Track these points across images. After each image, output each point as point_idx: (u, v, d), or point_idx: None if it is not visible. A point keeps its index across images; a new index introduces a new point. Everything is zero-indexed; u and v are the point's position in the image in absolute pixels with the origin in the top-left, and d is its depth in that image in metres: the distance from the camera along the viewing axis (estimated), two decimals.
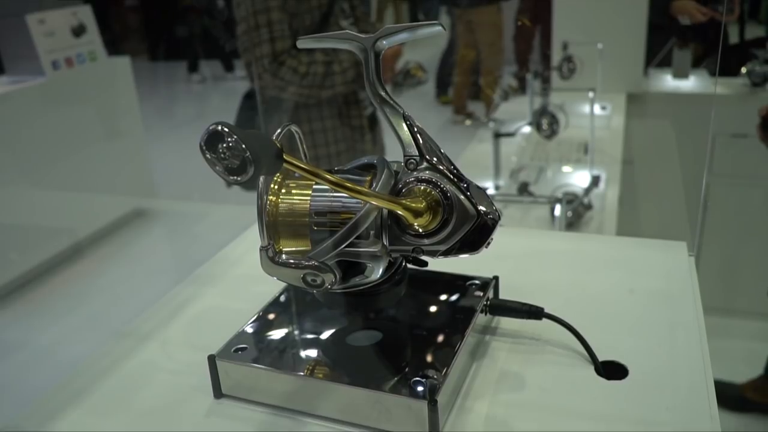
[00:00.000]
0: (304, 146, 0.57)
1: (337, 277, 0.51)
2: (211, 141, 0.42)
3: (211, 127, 0.42)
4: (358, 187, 0.48)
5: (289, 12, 1.67)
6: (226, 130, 0.41)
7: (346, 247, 0.50)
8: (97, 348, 0.67)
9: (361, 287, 0.54)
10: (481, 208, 0.51)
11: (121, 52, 3.42)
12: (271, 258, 0.52)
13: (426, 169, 0.51)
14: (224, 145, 0.42)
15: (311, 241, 0.53)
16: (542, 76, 1.89)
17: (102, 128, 3.04)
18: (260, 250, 0.52)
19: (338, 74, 1.73)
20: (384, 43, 0.50)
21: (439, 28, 0.48)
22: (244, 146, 0.41)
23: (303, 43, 0.52)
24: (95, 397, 0.60)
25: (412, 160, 0.52)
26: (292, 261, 0.51)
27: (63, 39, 2.79)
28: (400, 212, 0.50)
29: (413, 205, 0.50)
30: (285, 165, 0.45)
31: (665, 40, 2.53)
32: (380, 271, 0.52)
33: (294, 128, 0.54)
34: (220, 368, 0.57)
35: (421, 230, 0.51)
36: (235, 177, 0.42)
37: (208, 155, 0.42)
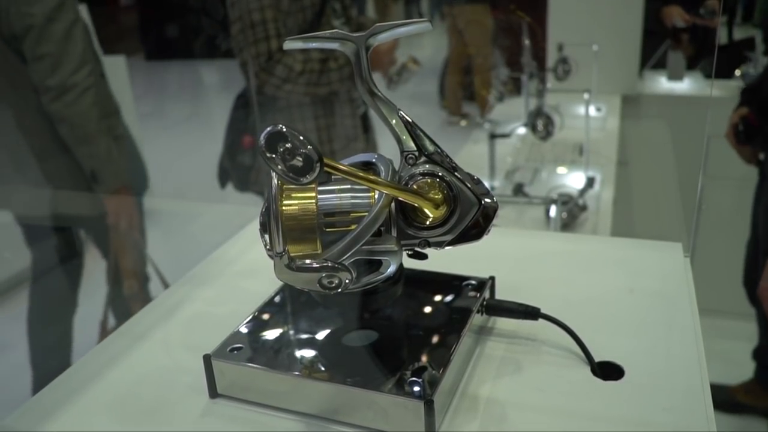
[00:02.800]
0: None
1: (354, 275, 0.49)
2: (272, 141, 0.42)
3: (271, 128, 0.42)
4: (394, 185, 0.49)
5: (283, 11, 1.67)
6: (289, 129, 0.41)
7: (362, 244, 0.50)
8: (92, 347, 0.67)
9: (375, 284, 0.54)
10: (482, 196, 0.52)
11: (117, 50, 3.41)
12: (287, 264, 0.48)
13: (425, 162, 0.52)
14: (287, 145, 0.41)
15: (321, 243, 0.51)
16: (538, 77, 1.90)
17: None
18: (275, 256, 0.49)
19: (334, 71, 1.73)
20: (375, 41, 0.50)
21: (428, 24, 0.48)
22: (305, 141, 0.41)
23: (290, 44, 0.51)
24: (89, 397, 0.59)
25: (411, 155, 0.52)
26: (310, 264, 0.48)
27: None
28: (426, 208, 0.51)
29: (435, 197, 0.51)
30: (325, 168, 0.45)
31: (660, 43, 2.54)
32: (396, 265, 0.52)
33: None
34: (216, 368, 0.57)
35: (427, 222, 0.52)
36: (303, 177, 0.42)
37: (269, 155, 0.42)
